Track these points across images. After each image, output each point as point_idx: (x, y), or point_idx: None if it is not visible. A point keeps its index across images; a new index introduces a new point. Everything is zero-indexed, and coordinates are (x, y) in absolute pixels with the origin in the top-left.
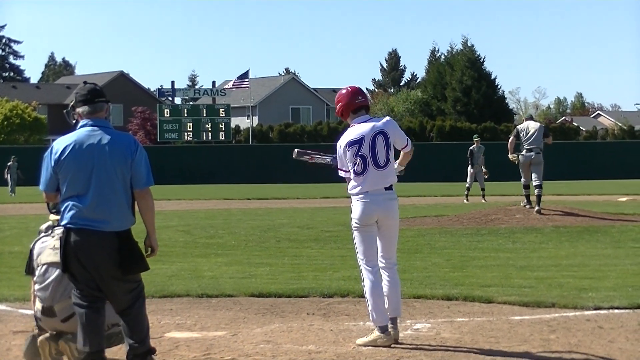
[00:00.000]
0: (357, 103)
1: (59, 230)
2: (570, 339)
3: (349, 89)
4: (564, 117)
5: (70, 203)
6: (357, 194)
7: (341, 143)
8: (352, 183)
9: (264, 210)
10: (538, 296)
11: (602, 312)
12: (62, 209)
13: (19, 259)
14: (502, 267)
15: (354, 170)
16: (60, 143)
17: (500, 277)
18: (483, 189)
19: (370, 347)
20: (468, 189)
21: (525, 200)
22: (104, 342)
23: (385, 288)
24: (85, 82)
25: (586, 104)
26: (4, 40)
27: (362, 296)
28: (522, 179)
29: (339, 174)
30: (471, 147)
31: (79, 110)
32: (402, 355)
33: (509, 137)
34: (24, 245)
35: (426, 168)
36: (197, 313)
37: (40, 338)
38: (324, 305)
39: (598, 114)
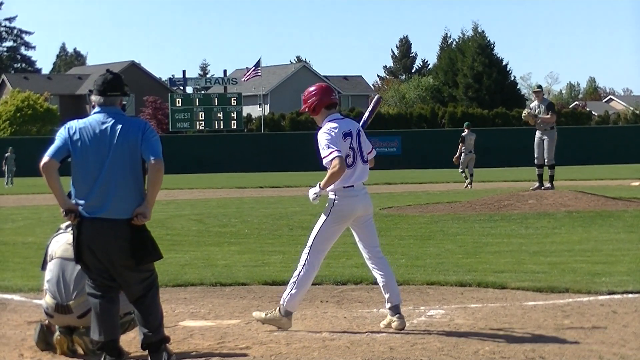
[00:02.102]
0: (332, 99)
1: None
2: (585, 324)
3: (322, 85)
4: (576, 102)
5: (82, 192)
6: (344, 188)
7: (335, 130)
8: (345, 176)
9: (276, 199)
10: (551, 281)
11: (615, 296)
12: (72, 199)
13: (33, 250)
14: (515, 252)
15: (346, 160)
16: (74, 124)
17: (513, 263)
18: (471, 175)
19: (383, 334)
20: (465, 174)
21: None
22: (119, 331)
23: (383, 279)
24: (107, 71)
25: (598, 89)
26: (15, 32)
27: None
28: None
29: (331, 157)
30: (463, 134)
31: (93, 99)
32: (416, 341)
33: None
34: (38, 236)
35: (438, 155)
36: (211, 301)
37: (56, 335)
38: (337, 292)
39: (610, 98)
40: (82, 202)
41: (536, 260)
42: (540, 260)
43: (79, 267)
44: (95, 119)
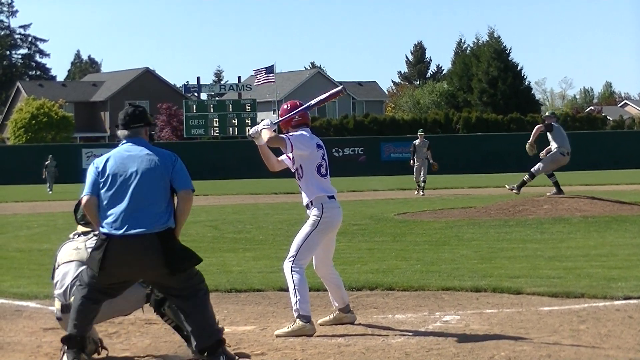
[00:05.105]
0: (295, 121)
1: (85, 238)
2: (600, 329)
3: (289, 104)
4: (590, 107)
5: (110, 210)
6: (330, 198)
7: (310, 138)
8: (322, 184)
9: (291, 205)
10: (567, 287)
11: (631, 301)
12: (101, 218)
13: (48, 257)
14: (531, 258)
15: (319, 171)
16: (102, 156)
17: (528, 268)
18: (424, 182)
19: (399, 339)
20: (417, 182)
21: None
22: (90, 328)
23: (337, 283)
24: (129, 104)
25: (614, 94)
26: (30, 39)
27: (391, 289)
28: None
29: (287, 138)
30: (414, 142)
31: (118, 133)
32: (431, 347)
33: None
34: (53, 243)
35: (452, 160)
36: (226, 308)
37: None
38: (352, 298)
39: (625, 103)
40: (110, 220)
41: (552, 265)
42: (555, 266)
43: (79, 268)
44: (121, 148)
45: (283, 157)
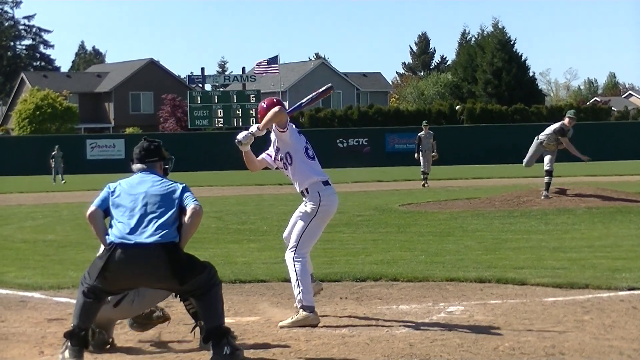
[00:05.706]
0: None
1: None
2: (605, 320)
3: (266, 102)
4: (595, 98)
5: (117, 223)
6: (325, 185)
7: (290, 127)
8: (313, 167)
9: (295, 196)
10: (571, 277)
11: (636, 292)
12: (110, 229)
13: (53, 248)
14: (535, 248)
15: (307, 154)
16: (116, 181)
17: (533, 259)
18: (427, 173)
19: (403, 330)
20: (423, 172)
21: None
22: (92, 323)
23: (309, 270)
24: (144, 139)
25: (618, 84)
26: (34, 30)
27: (395, 280)
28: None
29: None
30: (420, 134)
31: (133, 166)
32: (435, 338)
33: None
34: (58, 233)
35: (457, 151)
36: (231, 299)
37: None
38: (356, 289)
39: (630, 94)
40: (117, 232)
41: (556, 256)
42: (560, 256)
43: None
44: (134, 176)
45: (263, 155)
